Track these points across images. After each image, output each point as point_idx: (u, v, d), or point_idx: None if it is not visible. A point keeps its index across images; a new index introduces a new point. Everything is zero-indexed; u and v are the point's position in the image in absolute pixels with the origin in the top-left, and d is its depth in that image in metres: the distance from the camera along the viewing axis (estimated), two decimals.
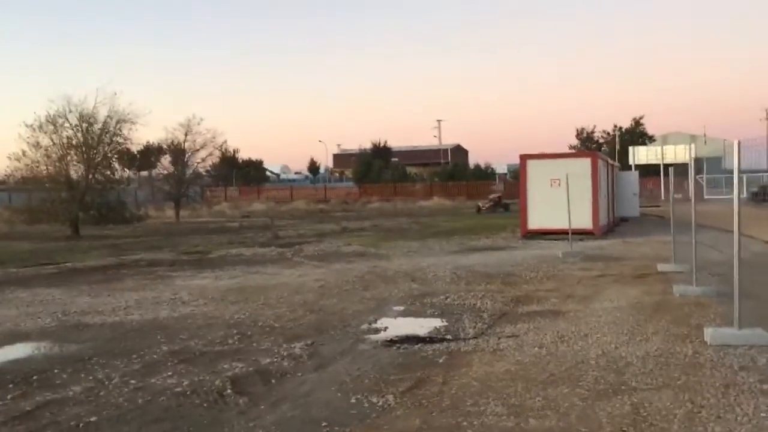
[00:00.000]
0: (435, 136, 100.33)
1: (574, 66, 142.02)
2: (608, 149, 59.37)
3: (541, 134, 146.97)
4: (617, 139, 62.47)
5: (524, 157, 20.48)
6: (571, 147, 66.91)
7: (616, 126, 66.94)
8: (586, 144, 66.81)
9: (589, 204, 19.05)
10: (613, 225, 23.33)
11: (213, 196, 59.44)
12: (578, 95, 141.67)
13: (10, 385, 5.77)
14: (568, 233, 15.34)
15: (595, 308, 8.56)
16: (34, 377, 5.99)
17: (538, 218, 19.48)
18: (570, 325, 7.58)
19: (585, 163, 19.74)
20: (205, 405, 5.16)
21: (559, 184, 18.13)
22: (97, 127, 26.93)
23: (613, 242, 17.70)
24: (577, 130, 68.93)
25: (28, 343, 7.49)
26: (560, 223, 17.14)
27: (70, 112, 26.41)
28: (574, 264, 13.11)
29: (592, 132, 68.76)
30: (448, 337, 7.25)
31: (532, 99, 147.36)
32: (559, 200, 17.00)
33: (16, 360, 6.74)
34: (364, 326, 7.91)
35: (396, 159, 77.95)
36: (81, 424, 4.76)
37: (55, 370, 6.20)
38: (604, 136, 68.32)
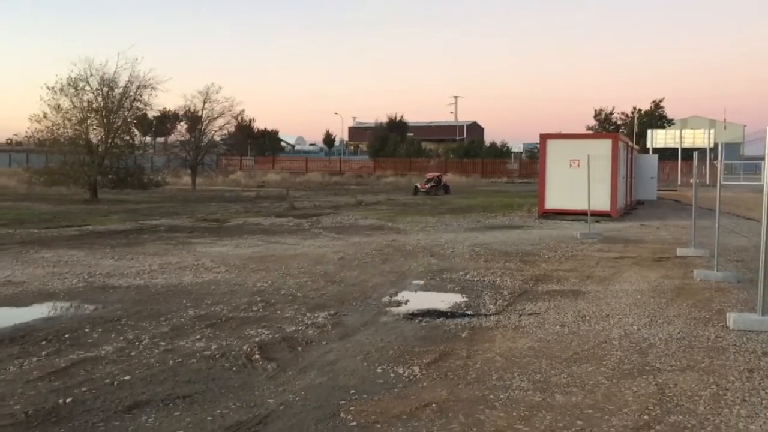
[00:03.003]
0: (451, 113, 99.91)
1: (594, 46, 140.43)
2: (626, 131, 58.87)
3: (558, 114, 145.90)
4: (636, 121, 61.86)
5: (544, 137, 20.38)
6: (588, 128, 66.30)
7: (635, 108, 66.26)
8: (604, 125, 66.16)
9: (608, 186, 18.95)
10: (631, 208, 23.25)
11: (228, 165, 59.55)
12: (597, 76, 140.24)
13: (43, 342, 5.90)
14: (585, 214, 15.32)
15: (615, 290, 8.60)
16: (66, 335, 6.12)
17: (555, 198, 19.43)
18: (591, 306, 7.63)
19: (605, 145, 19.61)
20: (234, 369, 5.26)
21: (579, 165, 18.07)
22: (117, 91, 27.03)
23: (630, 225, 17.66)
24: (596, 111, 68.16)
25: (58, 302, 7.64)
26: (578, 204, 17.12)
27: (91, 75, 26.50)
28: (592, 245, 13.12)
29: (611, 113, 68.00)
30: (469, 312, 7.32)
31: (550, 78, 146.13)
32: (578, 181, 16.96)
33: (47, 318, 6.87)
34: (385, 299, 8.00)
35: (411, 134, 77.64)
36: (115, 383, 4.87)
37: (86, 330, 6.33)
38: (623, 117, 67.60)
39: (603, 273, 9.89)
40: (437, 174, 34.62)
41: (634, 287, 8.76)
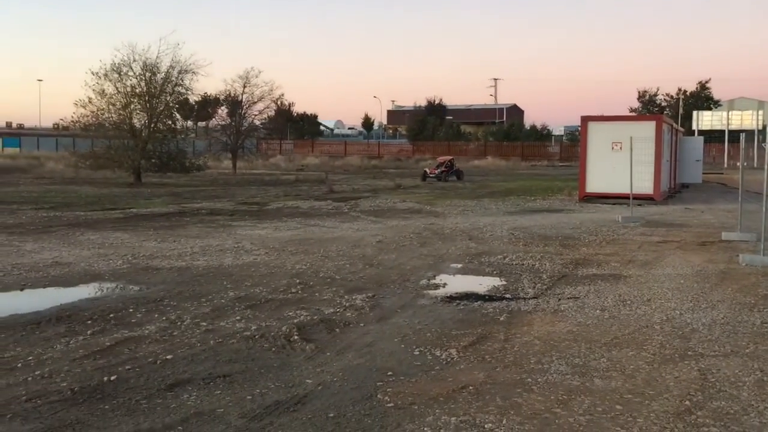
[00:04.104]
0: (491, 95, 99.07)
1: (638, 26, 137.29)
2: (671, 113, 57.56)
3: (601, 96, 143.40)
4: (681, 102, 60.44)
5: (585, 119, 20.07)
6: (631, 110, 65.02)
7: (680, 89, 64.74)
8: (648, 107, 64.79)
9: (651, 169, 18.61)
10: (675, 191, 22.82)
11: (268, 149, 60.06)
12: (641, 57, 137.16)
13: (89, 322, 6.05)
14: (627, 198, 15.08)
15: (657, 274, 8.46)
16: (111, 315, 6.27)
17: (597, 182, 19.17)
18: (632, 290, 7.52)
19: (649, 127, 19.24)
20: (273, 349, 5.33)
21: (621, 148, 17.78)
22: (159, 76, 27.41)
23: (674, 208, 17.32)
24: (639, 93, 66.79)
25: (103, 282, 7.83)
26: (620, 188, 16.87)
27: (134, 61, 26.92)
28: (634, 229, 12.91)
29: (655, 95, 66.54)
30: (508, 296, 7.28)
31: (593, 60, 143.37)
32: (620, 164, 16.69)
33: (93, 298, 7.05)
34: (423, 282, 8.00)
35: (450, 117, 77.25)
36: (158, 361, 4.98)
37: (130, 309, 6.47)
38: (668, 99, 66.12)
39: (645, 257, 9.73)
40: (449, 158, 32.32)
41: (677, 272, 8.60)
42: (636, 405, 4.20)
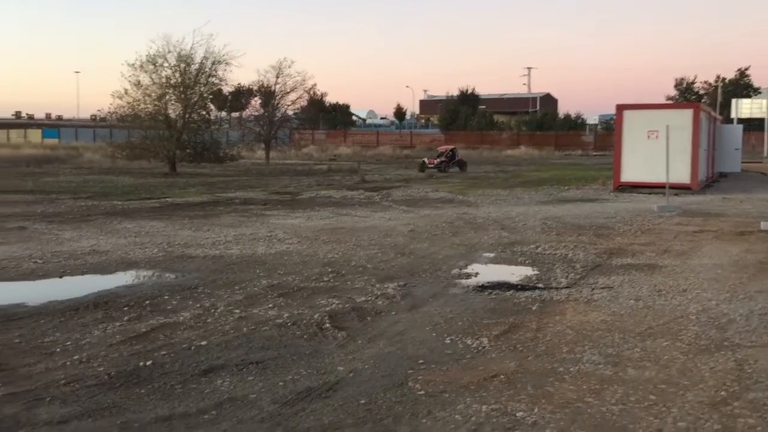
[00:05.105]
0: (524, 84, 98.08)
1: (675, 12, 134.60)
2: (709, 101, 56.37)
3: (636, 84, 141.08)
4: (719, 90, 59.12)
5: (621, 107, 19.76)
6: (668, 98, 63.82)
7: (718, 77, 63.30)
8: (685, 95, 63.53)
9: (688, 157, 18.26)
10: (712, 180, 22.38)
11: (301, 139, 60.31)
12: (678, 44, 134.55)
13: (125, 308, 6.17)
14: (662, 187, 14.84)
15: (693, 264, 8.32)
16: (147, 302, 6.38)
17: (632, 171, 18.88)
18: (667, 280, 7.41)
19: (686, 115, 18.87)
20: (305, 337, 5.37)
21: (657, 136, 17.48)
22: (193, 67, 27.70)
23: (711, 198, 17.00)
24: (676, 81, 65.46)
25: (139, 270, 7.97)
26: (656, 177, 16.60)
27: (169, 52, 27.24)
28: (670, 219, 12.71)
29: (693, 83, 65.21)
30: (540, 285, 7.23)
31: (628, 48, 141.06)
32: (656, 153, 16.41)
33: (129, 285, 7.18)
34: (455, 271, 7.98)
35: (483, 106, 76.62)
36: (192, 347, 5.06)
37: (165, 297, 6.58)
38: (705, 87, 64.76)
39: (681, 247, 9.58)
40: (450, 147, 30.08)
41: (713, 261, 8.46)
42: (670, 395, 4.15)
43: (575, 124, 67.02)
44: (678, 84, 65.49)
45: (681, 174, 17.56)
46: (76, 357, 4.83)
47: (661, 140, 15.33)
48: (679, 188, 17.22)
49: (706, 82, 65.20)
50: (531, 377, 4.46)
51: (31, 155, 35.19)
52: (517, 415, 3.87)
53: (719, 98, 55.91)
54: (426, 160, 28.58)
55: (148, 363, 4.70)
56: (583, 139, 59.81)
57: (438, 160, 28.00)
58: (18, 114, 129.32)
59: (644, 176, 18.21)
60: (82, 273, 7.80)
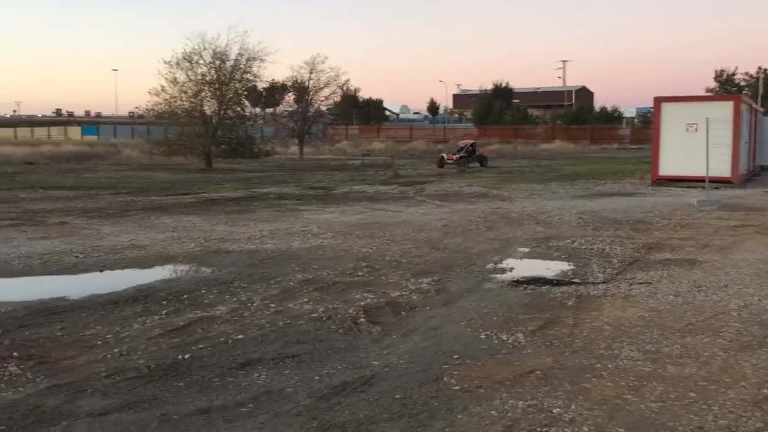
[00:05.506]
0: (559, 77, 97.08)
1: (714, 1, 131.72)
2: (750, 93, 55.06)
3: (674, 77, 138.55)
4: (761, 82, 57.70)
5: (659, 100, 19.44)
6: (708, 90, 62.46)
7: (760, 68, 61.75)
8: (726, 87, 62.16)
9: (729, 151, 17.89)
10: (754, 174, 21.91)
11: (334, 134, 60.54)
12: (718, 34, 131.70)
13: (164, 302, 6.26)
14: (702, 181, 14.56)
15: (734, 259, 8.15)
16: (184, 296, 6.47)
17: (670, 164, 18.56)
18: (707, 275, 7.27)
19: (726, 107, 18.48)
20: (340, 331, 5.40)
21: (696, 129, 17.15)
22: (228, 64, 28.00)
23: (753, 192, 16.63)
24: (716, 72, 64.05)
25: (177, 264, 8.08)
26: (695, 170, 16.29)
27: (205, 49, 27.59)
28: (710, 213, 12.46)
29: (733, 74, 63.70)
30: (576, 280, 7.15)
31: (666, 39, 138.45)
32: (695, 146, 16.11)
33: (167, 279, 7.28)
34: (490, 266, 7.94)
35: (517, 100, 75.99)
36: (229, 341, 5.12)
37: (202, 291, 6.66)
38: (747, 78, 63.24)
39: (722, 242, 9.39)
40: (470, 142, 29.08)
41: (755, 256, 8.27)
42: (711, 392, 4.07)
43: (611, 117, 66.08)
44: (718, 76, 64.07)
45: (721, 167, 17.20)
46: (116, 350, 4.92)
47: (701, 133, 15.04)
48: (718, 182, 16.88)
49: (747, 74, 63.66)
50: (568, 373, 4.42)
51: (71, 152, 35.92)
52: (554, 411, 3.84)
53: (761, 90, 54.60)
54: (445, 155, 27.65)
55: (187, 356, 4.77)
56: (619, 133, 58.97)
57: (457, 155, 27.14)
58: (58, 111, 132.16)
59: (683, 170, 17.89)
60: (122, 267, 7.94)
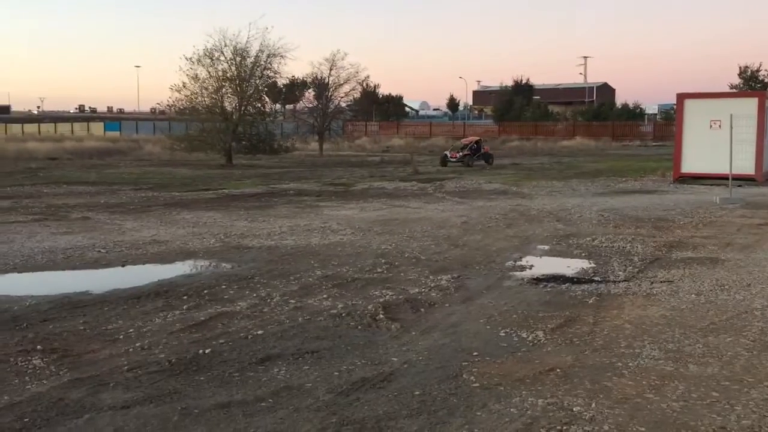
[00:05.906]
0: (580, 74, 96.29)
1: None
2: None
3: (697, 73, 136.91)
4: None
5: (681, 96, 19.21)
6: (731, 86, 61.61)
7: None
8: (750, 83, 61.31)
9: (753, 148, 17.61)
10: None
11: (354, 131, 60.58)
12: (742, 29, 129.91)
13: (185, 297, 6.31)
14: (725, 178, 14.39)
15: (757, 258, 8.05)
16: (205, 291, 6.52)
17: (693, 161, 18.33)
18: (730, 274, 7.19)
19: (750, 104, 18.19)
20: (359, 327, 5.41)
21: (720, 126, 16.94)
22: (249, 60, 28.11)
23: None
24: (740, 68, 63.15)
25: (197, 260, 8.14)
26: (718, 168, 16.09)
27: (225, 46, 27.70)
28: (733, 211, 12.31)
29: (758, 70, 62.78)
30: (597, 278, 7.11)
31: (689, 35, 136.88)
32: (719, 143, 15.92)
33: (188, 275, 7.35)
34: (509, 263, 7.91)
35: (538, 97, 75.51)
36: (249, 336, 5.15)
37: (223, 286, 6.71)
38: None
39: (745, 240, 9.27)
40: (474, 139, 27.22)
41: None
42: (734, 392, 4.03)
43: (633, 113, 65.37)
44: (742, 72, 63.16)
45: (745, 165, 16.94)
46: (138, 344, 4.97)
47: (724, 130, 14.87)
48: (742, 179, 16.63)
49: None
50: (588, 371, 4.39)
51: (93, 148, 36.30)
52: (574, 409, 3.82)
53: None
54: (448, 153, 26.30)
55: (207, 351, 4.81)
56: (641, 129, 58.31)
57: (461, 153, 25.66)
58: (81, 108, 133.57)
59: (706, 167, 17.67)
60: (143, 262, 8.02)
